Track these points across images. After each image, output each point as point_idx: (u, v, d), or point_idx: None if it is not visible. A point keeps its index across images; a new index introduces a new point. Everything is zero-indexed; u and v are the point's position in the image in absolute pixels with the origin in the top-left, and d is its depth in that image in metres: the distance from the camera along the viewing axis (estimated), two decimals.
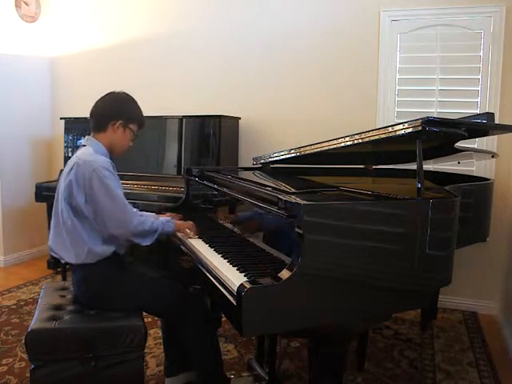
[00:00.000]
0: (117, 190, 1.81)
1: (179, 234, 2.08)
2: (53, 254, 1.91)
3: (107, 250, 1.87)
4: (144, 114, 2.05)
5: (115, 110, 1.95)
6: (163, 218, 2.02)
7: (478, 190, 2.42)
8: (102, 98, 1.99)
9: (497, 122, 2.72)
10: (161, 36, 3.90)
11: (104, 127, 1.94)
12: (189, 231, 2.04)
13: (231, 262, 1.64)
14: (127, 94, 2.02)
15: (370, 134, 1.70)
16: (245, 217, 2.04)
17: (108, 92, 2.00)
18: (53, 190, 3.62)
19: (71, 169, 1.83)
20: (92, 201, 1.79)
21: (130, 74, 3.98)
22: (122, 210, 1.82)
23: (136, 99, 2.03)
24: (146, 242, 1.89)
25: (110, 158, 1.95)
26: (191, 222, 2.09)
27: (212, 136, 3.37)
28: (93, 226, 1.83)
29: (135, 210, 1.90)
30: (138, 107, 2.02)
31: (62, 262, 1.89)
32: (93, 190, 1.78)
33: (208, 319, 1.95)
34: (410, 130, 1.56)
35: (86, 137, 1.98)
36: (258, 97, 3.63)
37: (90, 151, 1.88)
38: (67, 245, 1.84)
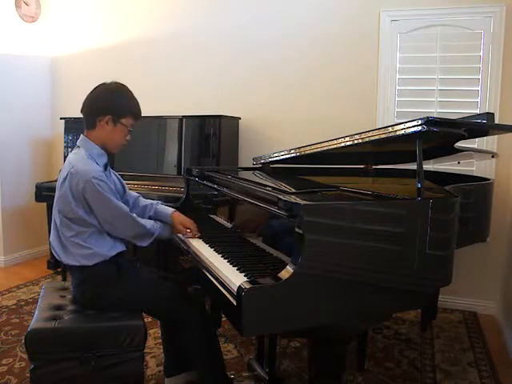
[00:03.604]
0: (110, 197, 1.80)
1: (179, 234, 2.08)
2: (53, 252, 1.91)
3: (115, 250, 1.87)
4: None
5: (103, 104, 1.83)
6: (159, 222, 2.00)
7: (477, 189, 2.42)
8: (91, 91, 1.88)
9: (497, 122, 2.71)
10: (161, 36, 3.90)
11: (92, 124, 1.84)
12: (189, 231, 2.03)
13: (231, 262, 1.64)
14: (119, 84, 1.88)
15: (370, 134, 1.70)
16: (245, 217, 2.04)
17: (98, 84, 1.87)
18: (53, 189, 3.60)
19: (65, 179, 1.80)
20: (91, 209, 1.79)
21: (130, 74, 3.95)
22: (117, 215, 1.82)
23: (135, 97, 1.91)
24: (144, 244, 1.91)
25: (108, 155, 1.92)
26: (191, 222, 2.06)
27: (212, 136, 3.37)
28: (97, 230, 1.83)
29: (134, 214, 1.89)
30: (132, 98, 1.88)
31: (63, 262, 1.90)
32: (88, 200, 1.77)
33: (208, 320, 1.95)
34: (410, 130, 1.56)
35: (81, 136, 1.91)
36: (258, 97, 3.63)
37: (83, 155, 1.83)
38: (66, 247, 1.84)
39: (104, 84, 1.89)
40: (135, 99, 1.91)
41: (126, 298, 1.86)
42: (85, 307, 1.86)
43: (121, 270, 1.90)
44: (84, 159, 1.82)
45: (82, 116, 1.93)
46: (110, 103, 1.85)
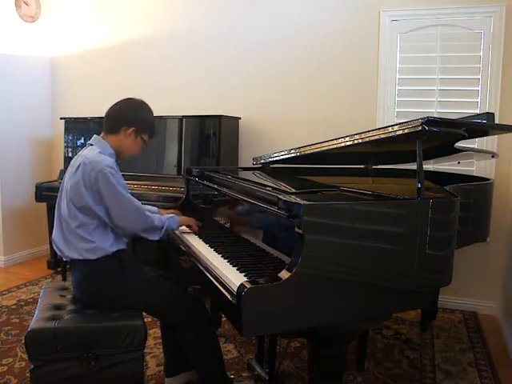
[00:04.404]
0: (122, 188, 1.85)
1: (178, 233, 2.09)
2: (55, 249, 1.93)
3: (116, 246, 1.89)
4: None
5: (131, 116, 1.97)
6: (167, 214, 2.05)
7: (477, 190, 2.42)
8: (122, 101, 2.01)
9: (497, 122, 2.71)
10: (161, 36, 3.90)
11: (116, 130, 1.95)
12: (193, 225, 2.11)
13: (231, 262, 1.64)
14: (145, 103, 2.04)
15: (370, 134, 1.70)
16: (245, 217, 2.04)
17: (128, 97, 2.02)
18: (53, 189, 3.65)
19: (77, 168, 1.83)
20: (101, 200, 1.82)
21: (129, 74, 3.99)
22: (130, 208, 1.85)
23: None
24: (155, 237, 1.94)
25: (116, 160, 1.97)
26: (192, 219, 2.14)
27: (212, 136, 3.37)
28: (102, 224, 1.85)
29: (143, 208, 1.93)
30: (153, 118, 2.05)
31: (64, 259, 1.91)
32: (99, 189, 1.80)
33: (208, 320, 1.96)
34: (410, 130, 1.56)
35: (94, 136, 1.98)
36: (257, 97, 3.63)
37: (96, 151, 1.89)
38: (70, 241, 1.85)
39: (133, 98, 2.03)
40: (154, 120, 2.06)
41: (126, 296, 1.86)
42: (85, 305, 1.87)
43: (122, 266, 1.91)
44: (97, 154, 1.88)
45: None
46: (137, 117, 1.99)
